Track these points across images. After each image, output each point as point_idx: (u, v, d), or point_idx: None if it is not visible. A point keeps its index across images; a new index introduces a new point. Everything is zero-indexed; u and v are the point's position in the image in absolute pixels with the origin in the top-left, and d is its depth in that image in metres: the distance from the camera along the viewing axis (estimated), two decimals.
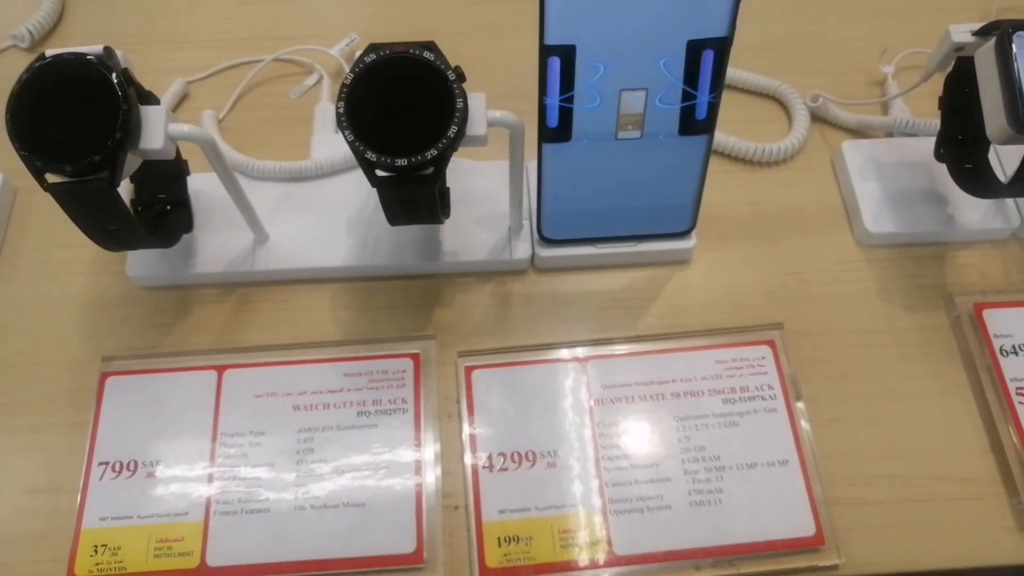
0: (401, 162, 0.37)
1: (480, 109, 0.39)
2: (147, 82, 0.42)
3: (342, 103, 0.38)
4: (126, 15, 0.61)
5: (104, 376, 0.45)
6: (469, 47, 0.57)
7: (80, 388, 0.45)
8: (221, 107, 0.56)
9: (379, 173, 0.38)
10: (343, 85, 0.38)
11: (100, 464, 0.42)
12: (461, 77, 0.38)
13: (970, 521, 0.43)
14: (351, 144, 0.37)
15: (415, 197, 0.39)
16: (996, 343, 0.47)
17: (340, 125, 0.37)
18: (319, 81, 0.56)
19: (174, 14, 0.61)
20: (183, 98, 0.56)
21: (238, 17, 0.60)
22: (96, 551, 0.40)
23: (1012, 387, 0.45)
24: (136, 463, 0.42)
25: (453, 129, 0.37)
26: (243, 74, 0.57)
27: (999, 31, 0.41)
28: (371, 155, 0.37)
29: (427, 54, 0.38)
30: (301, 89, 0.56)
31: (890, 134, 0.55)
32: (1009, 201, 0.51)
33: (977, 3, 0.61)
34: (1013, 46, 0.40)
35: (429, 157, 0.37)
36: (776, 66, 0.57)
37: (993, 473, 0.44)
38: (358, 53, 0.38)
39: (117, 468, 0.42)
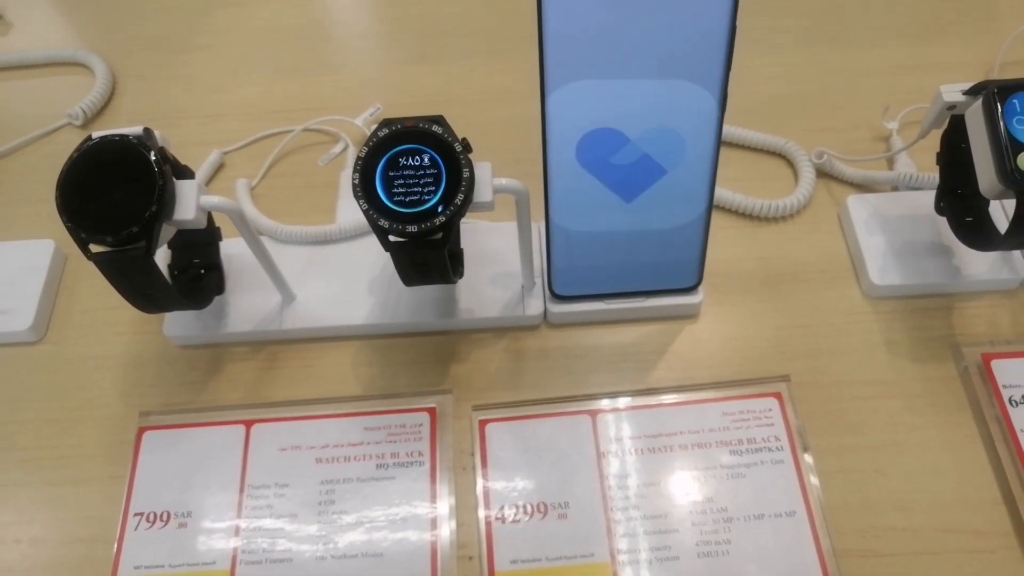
0: (411, 228, 0.40)
1: (486, 177, 0.41)
2: (186, 153, 0.46)
3: (357, 174, 0.41)
4: (169, 93, 0.65)
5: (141, 430, 0.48)
6: (484, 114, 0.61)
7: (119, 442, 0.48)
8: (254, 175, 0.59)
9: (392, 238, 0.41)
10: (358, 158, 0.41)
11: (135, 515, 0.45)
12: (467, 148, 0.41)
13: (982, 574, 0.43)
14: (365, 213, 0.40)
15: (426, 260, 0.42)
16: (1005, 393, 0.47)
17: (355, 195, 0.40)
18: (345, 149, 0.60)
19: (213, 91, 0.65)
20: (219, 167, 0.60)
21: (270, 91, 0.65)
22: None
23: (1022, 438, 0.46)
24: (169, 514, 0.45)
25: (460, 197, 0.40)
26: (275, 144, 0.61)
27: (986, 91, 0.43)
28: (384, 222, 0.40)
29: (435, 128, 0.41)
30: (328, 157, 0.59)
31: (895, 188, 0.56)
32: (1016, 252, 0.52)
33: (983, 58, 0.63)
34: (999, 105, 0.42)
35: (438, 223, 0.40)
36: (782, 124, 0.59)
37: (1005, 525, 0.44)
38: (374, 127, 0.41)
39: (151, 519, 0.45)
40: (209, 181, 0.60)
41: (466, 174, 0.40)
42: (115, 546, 0.44)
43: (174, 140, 0.44)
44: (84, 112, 0.63)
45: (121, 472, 0.46)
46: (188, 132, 0.62)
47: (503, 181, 0.42)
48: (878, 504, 0.45)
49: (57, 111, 0.64)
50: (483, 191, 0.41)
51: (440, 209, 0.40)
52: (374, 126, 0.42)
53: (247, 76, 0.66)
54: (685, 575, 0.43)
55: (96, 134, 0.41)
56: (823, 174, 0.58)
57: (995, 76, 0.61)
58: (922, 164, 0.56)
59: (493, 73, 0.65)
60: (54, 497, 0.47)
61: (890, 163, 0.58)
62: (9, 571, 0.44)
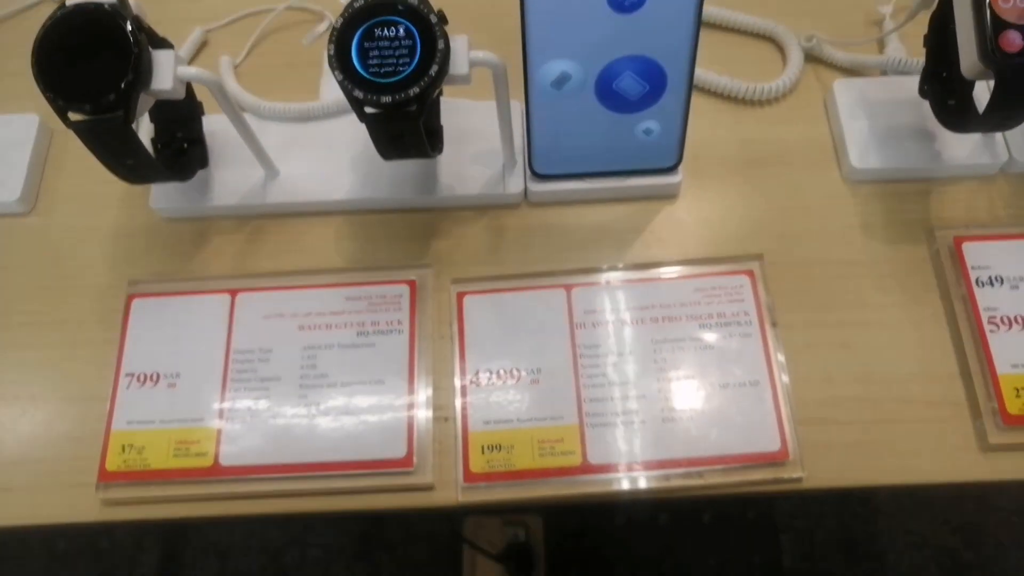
0: (386, 99, 0.40)
1: (462, 50, 0.41)
2: (169, 30, 0.46)
3: (332, 45, 0.41)
4: None
5: (130, 298, 0.49)
6: None
7: (109, 309, 0.49)
8: (238, 54, 0.59)
9: (367, 110, 0.41)
10: (333, 29, 0.41)
11: (127, 375, 0.47)
12: (443, 20, 0.41)
13: (932, 441, 0.45)
14: (341, 83, 0.40)
15: (402, 132, 0.42)
16: (973, 274, 0.48)
17: (331, 66, 0.40)
18: (329, 28, 0.59)
19: None
20: (202, 45, 0.60)
21: None
22: (124, 450, 0.45)
23: (984, 316, 0.47)
24: (158, 375, 0.47)
25: (435, 68, 0.40)
26: (259, 22, 0.60)
27: None
28: (358, 93, 0.40)
29: None
30: (312, 36, 0.59)
31: (884, 73, 0.56)
32: (998, 137, 0.52)
33: None
34: None
35: (412, 95, 0.40)
36: (774, 7, 0.58)
37: (959, 397, 0.46)
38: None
39: (142, 379, 0.47)
40: (192, 59, 0.59)
41: (441, 46, 0.40)
42: (108, 403, 0.46)
43: (156, 16, 0.44)
44: None
45: (112, 336, 0.48)
46: (170, 8, 0.61)
47: (480, 54, 0.42)
48: (839, 376, 0.47)
49: None
50: (459, 63, 0.41)
51: (414, 80, 0.40)
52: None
53: None
54: (649, 437, 0.45)
55: (70, 1, 0.41)
56: (812, 58, 0.57)
57: None
58: (912, 49, 0.56)
59: None
60: (50, 358, 0.49)
61: (880, 48, 0.57)
62: (12, 423, 0.47)
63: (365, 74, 0.40)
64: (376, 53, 0.40)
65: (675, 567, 1.04)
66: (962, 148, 0.52)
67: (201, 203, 0.52)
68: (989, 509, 1.07)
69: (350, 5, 0.41)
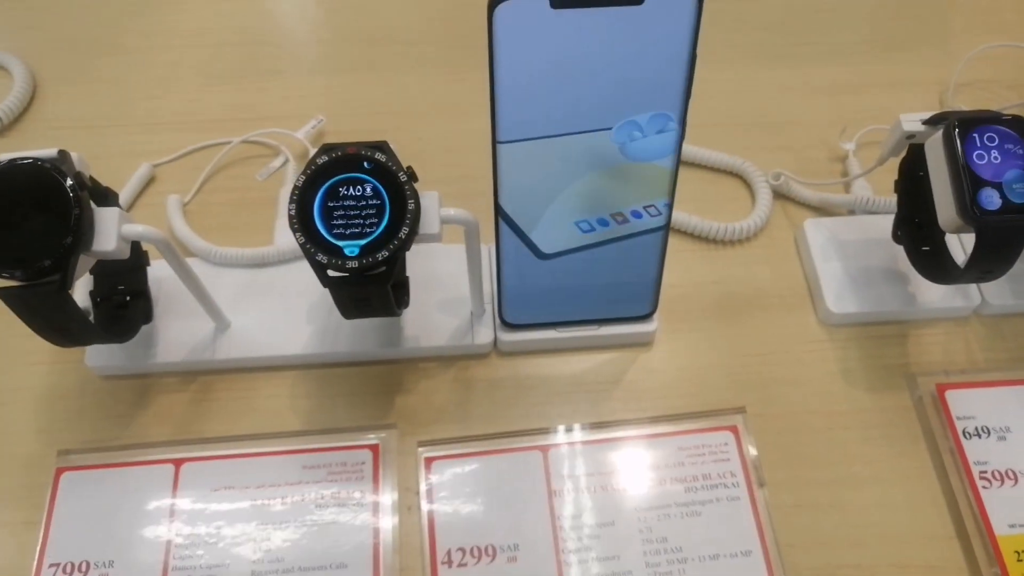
0: (352, 264, 0.37)
1: (433, 208, 0.39)
2: (114, 165, 0.42)
3: (293, 205, 0.38)
4: (97, 99, 0.61)
5: (59, 471, 0.44)
6: (433, 128, 0.59)
7: (34, 484, 0.44)
8: (188, 190, 0.56)
9: (331, 273, 0.38)
10: (295, 188, 0.38)
11: (51, 566, 0.41)
12: (413, 177, 0.38)
13: None
14: (302, 247, 0.37)
15: (368, 296, 0.40)
16: (959, 425, 0.47)
17: (292, 227, 0.38)
18: (285, 163, 0.56)
19: (145, 97, 0.61)
20: (149, 181, 0.56)
21: (208, 99, 0.61)
22: None
23: (975, 470, 0.45)
24: (88, 564, 0.42)
25: (405, 230, 0.37)
26: (211, 156, 0.57)
27: (946, 124, 0.42)
28: (322, 257, 0.37)
29: (379, 155, 0.38)
30: (267, 171, 0.56)
31: (852, 212, 0.56)
32: None
33: (938, 78, 0.62)
34: (959, 139, 0.41)
35: (380, 259, 0.37)
36: (736, 142, 0.58)
37: (958, 559, 0.44)
38: (313, 152, 0.39)
39: (68, 570, 0.41)
40: (138, 196, 0.56)
41: (411, 206, 0.38)
42: None
43: (100, 151, 0.41)
44: (0, 119, 0.58)
45: (36, 518, 0.43)
46: (116, 142, 0.58)
47: (451, 211, 0.40)
48: (833, 541, 0.44)
49: None
50: (430, 223, 0.39)
51: (383, 243, 0.37)
52: (315, 139, 0.39)
53: (180, 82, 0.62)
54: None
55: (4, 156, 0.38)
56: (780, 196, 0.57)
57: (950, 96, 0.61)
58: (878, 187, 0.56)
59: (442, 84, 0.62)
60: None
61: (846, 186, 0.57)
62: None
63: (328, 236, 0.38)
64: (341, 213, 0.38)
65: None
66: (936, 291, 0.51)
67: (143, 360, 0.47)
68: None
69: (313, 161, 0.39)
